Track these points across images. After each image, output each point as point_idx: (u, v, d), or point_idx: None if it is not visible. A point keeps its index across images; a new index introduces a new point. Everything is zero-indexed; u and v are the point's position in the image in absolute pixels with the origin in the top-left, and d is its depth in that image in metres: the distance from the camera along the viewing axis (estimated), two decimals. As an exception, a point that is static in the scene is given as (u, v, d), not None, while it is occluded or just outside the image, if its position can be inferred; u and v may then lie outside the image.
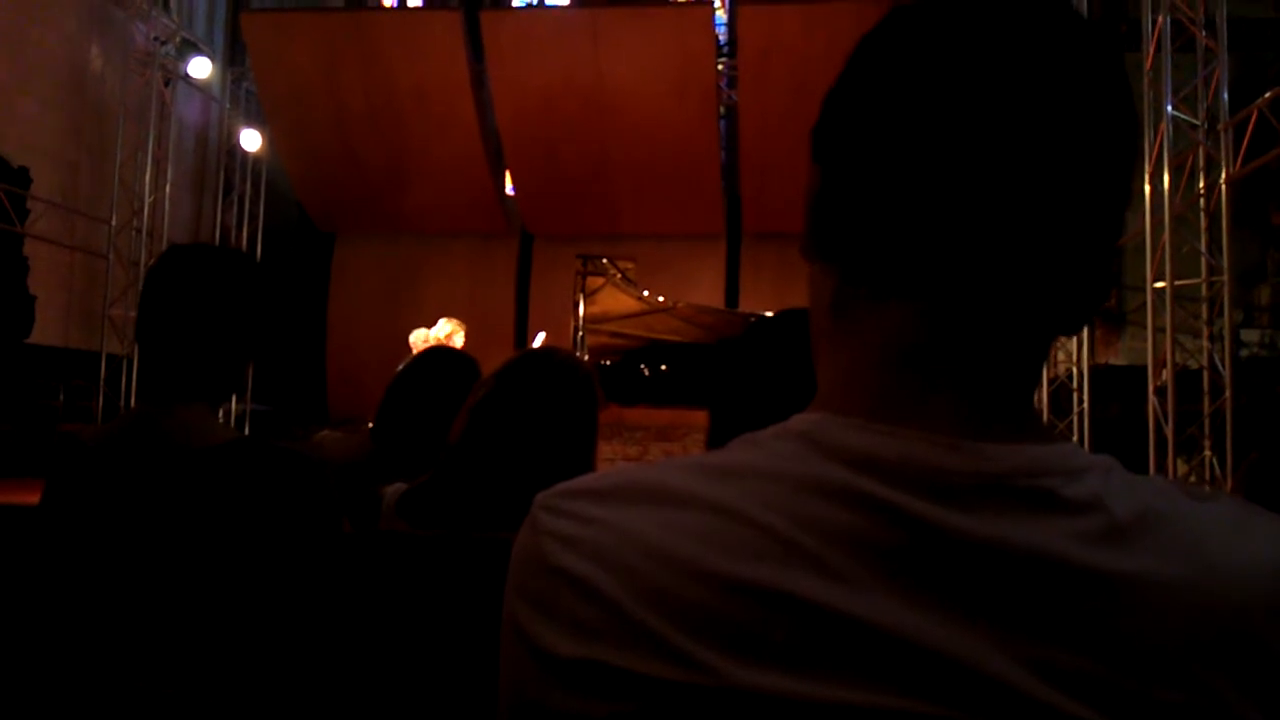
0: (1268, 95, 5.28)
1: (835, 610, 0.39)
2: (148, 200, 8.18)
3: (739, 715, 0.39)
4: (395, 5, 10.42)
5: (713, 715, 0.39)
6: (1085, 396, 7.35)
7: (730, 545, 0.41)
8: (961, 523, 0.40)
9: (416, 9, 10.17)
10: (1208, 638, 0.39)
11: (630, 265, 6.08)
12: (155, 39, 8.25)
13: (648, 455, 8.52)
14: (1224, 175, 5.50)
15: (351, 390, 8.98)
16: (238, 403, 8.68)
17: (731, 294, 9.36)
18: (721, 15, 9.87)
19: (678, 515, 0.43)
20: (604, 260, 5.96)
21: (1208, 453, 5.59)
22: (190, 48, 8.62)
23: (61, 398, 7.35)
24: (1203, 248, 5.68)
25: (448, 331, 5.95)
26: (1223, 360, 5.60)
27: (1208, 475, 5.51)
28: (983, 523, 0.40)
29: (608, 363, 5.89)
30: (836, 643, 0.39)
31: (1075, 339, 7.42)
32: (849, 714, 0.38)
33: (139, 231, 8.09)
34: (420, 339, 6.01)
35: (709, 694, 0.39)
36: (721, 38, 9.75)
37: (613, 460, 7.94)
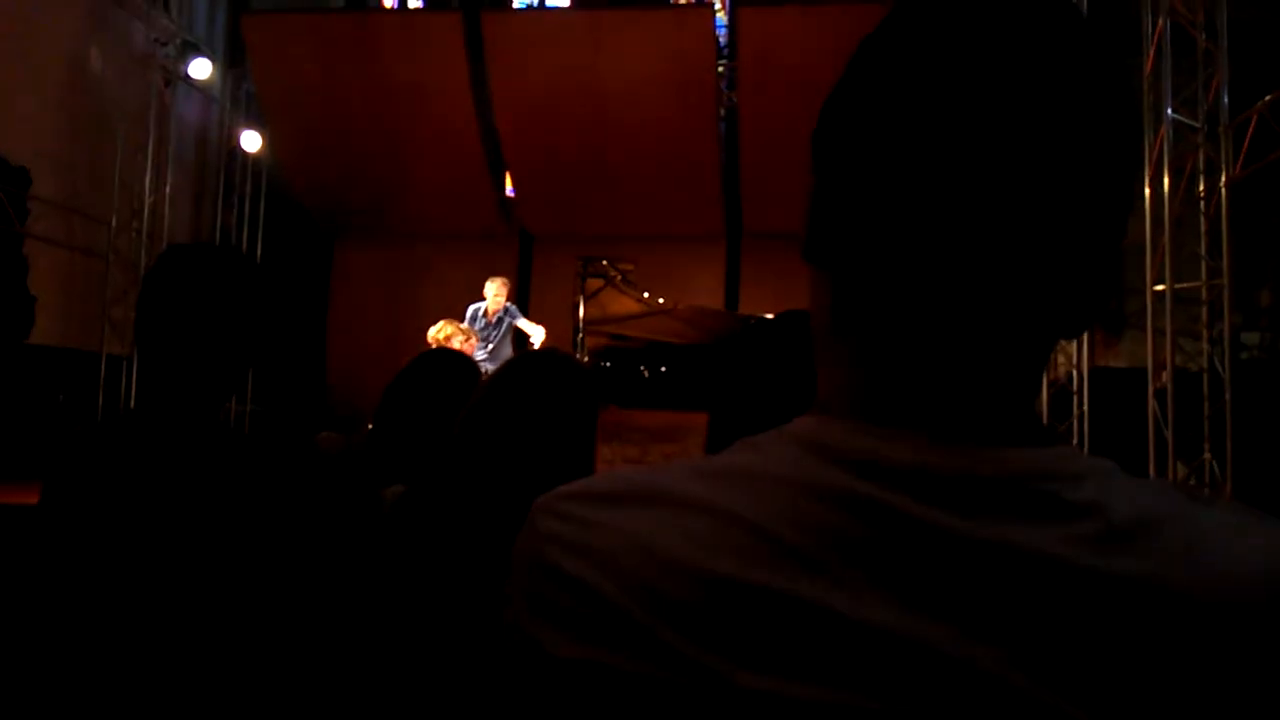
0: (1268, 98, 5.29)
1: (834, 613, 0.39)
2: (148, 201, 8.17)
3: (737, 717, 0.39)
4: (395, 6, 10.42)
5: (711, 717, 0.39)
6: (1085, 399, 7.35)
7: (729, 548, 0.41)
8: (962, 526, 0.40)
9: (417, 10, 10.18)
10: (1207, 642, 0.39)
11: (630, 267, 6.09)
12: (155, 40, 8.24)
13: (647, 457, 8.51)
14: (1224, 178, 5.50)
15: (351, 392, 8.97)
16: (237, 404, 8.67)
17: (731, 296, 9.36)
18: (722, 17, 9.86)
19: (677, 518, 0.43)
20: (604, 262, 5.96)
21: (1207, 455, 5.59)
22: (190, 49, 8.61)
23: (61, 398, 7.35)
24: (1202, 251, 5.68)
25: (447, 334, 5.94)
26: (1222, 363, 5.60)
27: (1207, 478, 5.51)
28: (983, 526, 0.40)
29: (607, 364, 5.89)
30: (835, 645, 0.39)
31: (1075, 341, 7.42)
32: (847, 716, 0.38)
33: (139, 232, 8.09)
34: (440, 334, 6.00)
35: (707, 695, 0.39)
36: (721, 39, 9.75)
37: (612, 462, 7.94)
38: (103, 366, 7.80)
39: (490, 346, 6.86)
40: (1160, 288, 5.70)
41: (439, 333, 5.95)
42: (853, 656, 0.39)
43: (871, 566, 0.40)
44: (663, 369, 5.85)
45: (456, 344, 5.87)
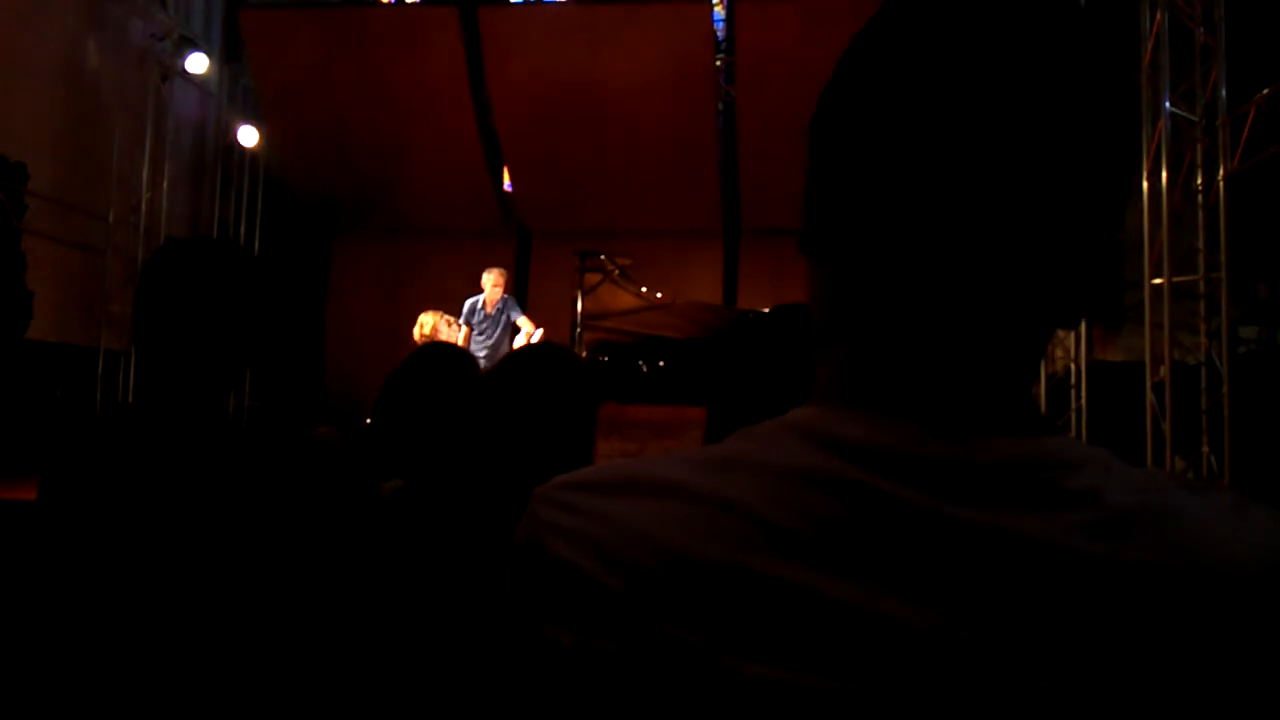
0: (1266, 91, 5.29)
1: (831, 600, 0.40)
2: (145, 196, 8.15)
3: (736, 703, 0.39)
4: (393, 1, 10.39)
5: (711, 703, 0.39)
6: (1083, 393, 7.35)
7: (727, 535, 0.41)
8: (959, 514, 0.41)
9: (414, 5, 10.14)
10: (1205, 628, 0.39)
11: (628, 261, 6.09)
12: (152, 35, 8.22)
13: (645, 451, 8.50)
14: (1222, 172, 5.50)
15: (350, 387, 8.97)
16: (235, 399, 8.66)
17: (729, 290, 9.36)
18: (720, 11, 9.84)
19: (675, 507, 0.43)
20: (602, 256, 5.96)
21: (1205, 449, 5.60)
22: (188, 44, 8.59)
23: (59, 394, 7.34)
24: (1200, 244, 5.68)
25: (433, 324, 5.94)
26: (1220, 356, 5.61)
27: (1205, 471, 5.52)
28: (980, 514, 0.41)
29: (605, 359, 5.89)
30: (832, 632, 0.39)
31: (1073, 335, 7.42)
32: (844, 700, 0.38)
33: (136, 227, 8.08)
34: (426, 329, 5.99)
35: (707, 682, 0.39)
36: (719, 34, 9.73)
37: (610, 457, 7.92)
38: (100, 362, 7.79)
39: (489, 340, 6.81)
40: (1158, 281, 5.71)
41: (422, 328, 5.95)
42: (849, 643, 0.39)
43: (868, 554, 0.40)
44: (661, 364, 5.85)
45: (444, 333, 5.86)
